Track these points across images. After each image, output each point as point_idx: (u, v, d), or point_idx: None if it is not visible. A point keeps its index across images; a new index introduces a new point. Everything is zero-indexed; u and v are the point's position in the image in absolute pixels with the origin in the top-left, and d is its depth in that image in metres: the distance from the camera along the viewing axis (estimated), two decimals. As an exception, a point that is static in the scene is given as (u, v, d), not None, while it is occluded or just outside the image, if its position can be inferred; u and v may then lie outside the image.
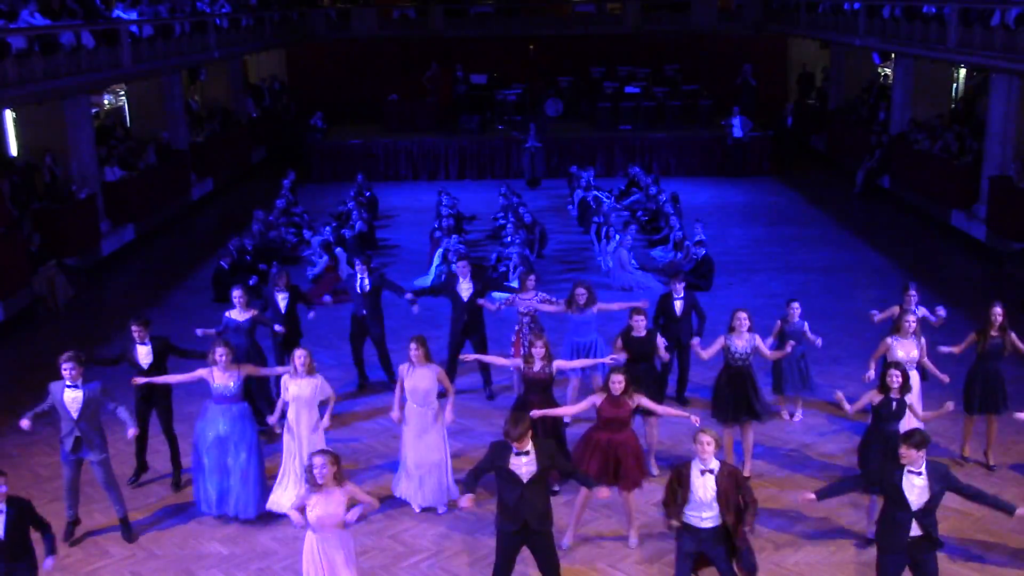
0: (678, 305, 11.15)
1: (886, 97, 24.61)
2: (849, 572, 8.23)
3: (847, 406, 8.50)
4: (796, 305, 10.67)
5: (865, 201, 22.77)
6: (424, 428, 9.07)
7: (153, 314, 15.38)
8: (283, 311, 11.26)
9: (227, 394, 8.96)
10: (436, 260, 16.40)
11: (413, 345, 9.04)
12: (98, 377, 8.91)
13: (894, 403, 8.34)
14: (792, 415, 11.21)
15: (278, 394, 9.39)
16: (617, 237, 16.76)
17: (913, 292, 10.60)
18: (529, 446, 7.04)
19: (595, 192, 20.84)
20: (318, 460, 6.94)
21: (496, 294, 15.04)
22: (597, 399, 8.35)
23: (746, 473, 9.81)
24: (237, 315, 10.53)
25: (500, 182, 23.21)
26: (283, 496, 9.05)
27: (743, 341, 9.55)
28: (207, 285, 16.21)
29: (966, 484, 7.18)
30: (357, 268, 11.87)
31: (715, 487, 6.99)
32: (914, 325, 9.62)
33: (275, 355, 11.45)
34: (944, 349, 10.01)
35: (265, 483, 9.18)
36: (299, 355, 8.93)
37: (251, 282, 15.91)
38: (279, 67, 32.79)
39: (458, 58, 30.22)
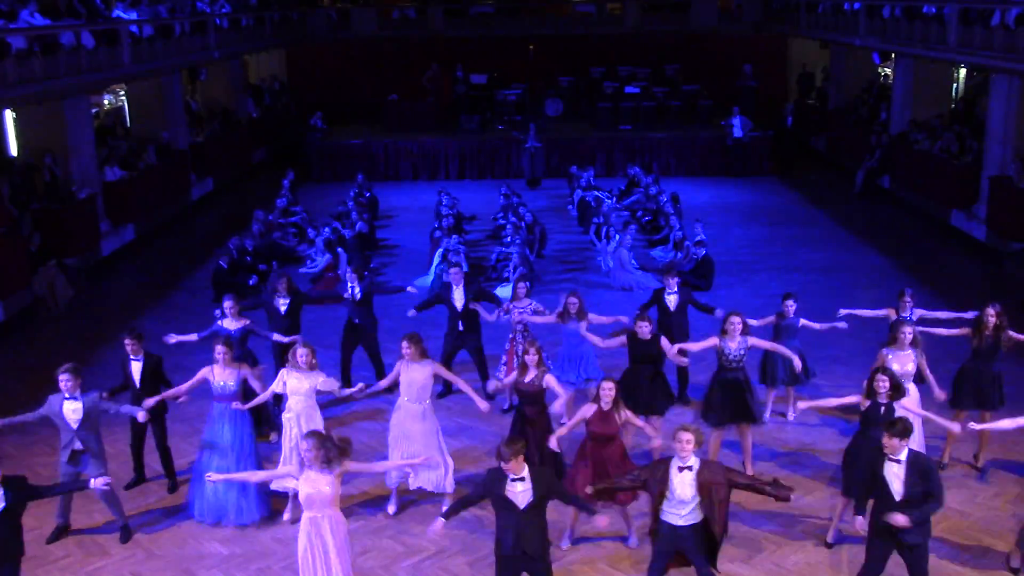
0: (671, 300, 11.18)
1: (886, 97, 24.61)
2: (849, 572, 8.22)
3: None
4: (791, 302, 10.69)
5: (865, 201, 22.77)
6: (412, 423, 9.06)
7: (153, 314, 15.42)
8: (283, 313, 11.25)
9: (226, 392, 8.99)
10: (436, 260, 16.40)
11: (405, 343, 9.04)
12: (96, 386, 8.94)
13: (882, 408, 8.24)
14: (785, 414, 11.21)
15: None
16: (617, 237, 16.77)
17: (908, 298, 10.57)
18: (525, 472, 6.93)
19: (595, 192, 20.85)
20: (304, 444, 7.12)
21: (499, 292, 15.07)
22: (588, 411, 8.26)
23: (749, 473, 9.81)
24: (229, 324, 10.39)
25: (500, 182, 23.22)
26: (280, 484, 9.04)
27: (736, 344, 9.53)
28: (207, 285, 16.20)
29: (938, 491, 7.00)
30: (348, 277, 11.82)
31: (694, 484, 7.00)
32: (910, 336, 9.37)
33: (274, 361, 11.44)
34: (935, 331, 9.96)
35: (265, 489, 9.17)
36: (302, 352, 8.92)
37: (251, 282, 15.94)
38: (279, 67, 32.78)
39: (458, 58, 30.21)
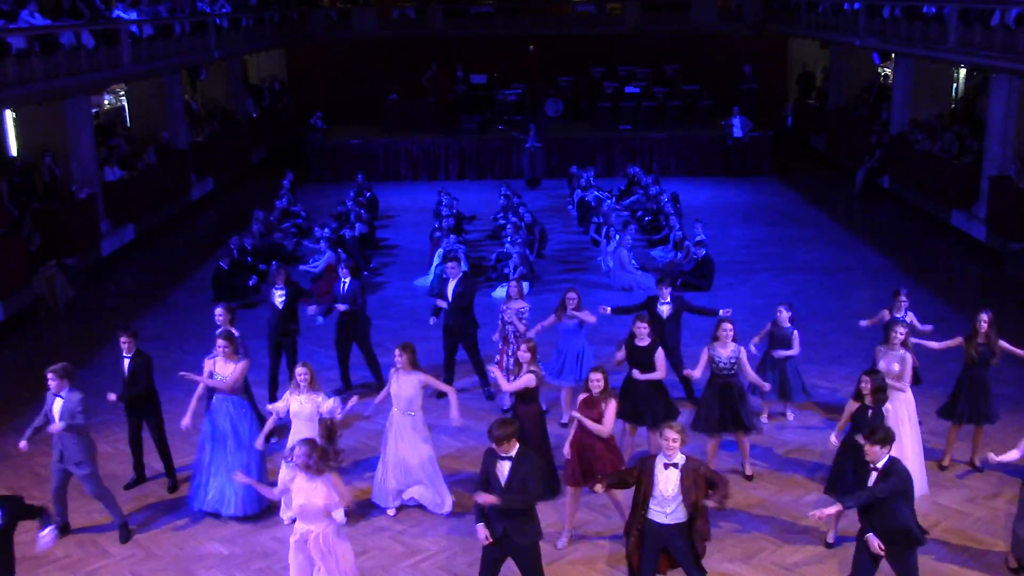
0: (664, 309, 11.14)
1: (886, 97, 24.61)
2: (848, 572, 8.22)
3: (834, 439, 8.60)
4: (782, 308, 10.66)
5: (865, 201, 22.77)
6: (402, 434, 9.07)
7: (153, 314, 15.42)
8: (280, 307, 11.27)
9: (225, 385, 9.06)
10: (436, 260, 16.40)
11: (397, 352, 9.04)
12: (96, 386, 8.95)
13: (869, 411, 8.23)
14: (776, 415, 11.20)
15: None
16: (617, 237, 16.76)
17: (904, 298, 10.55)
18: (514, 452, 7.03)
19: (595, 192, 20.84)
20: (298, 450, 7.09)
21: (495, 293, 15.09)
22: (580, 397, 8.45)
23: (748, 472, 9.82)
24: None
25: (500, 182, 23.20)
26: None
27: (728, 351, 9.51)
28: (207, 285, 16.20)
29: (882, 491, 6.90)
30: (340, 272, 11.88)
31: (678, 482, 7.01)
32: (902, 336, 9.28)
33: (269, 355, 11.47)
34: (927, 343, 9.94)
35: (266, 480, 9.17)
36: (301, 372, 8.88)
37: (251, 282, 15.94)
38: (279, 67, 32.78)
39: (458, 58, 30.21)
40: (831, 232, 19.97)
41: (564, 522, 8.72)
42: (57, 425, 8.46)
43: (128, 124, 23.44)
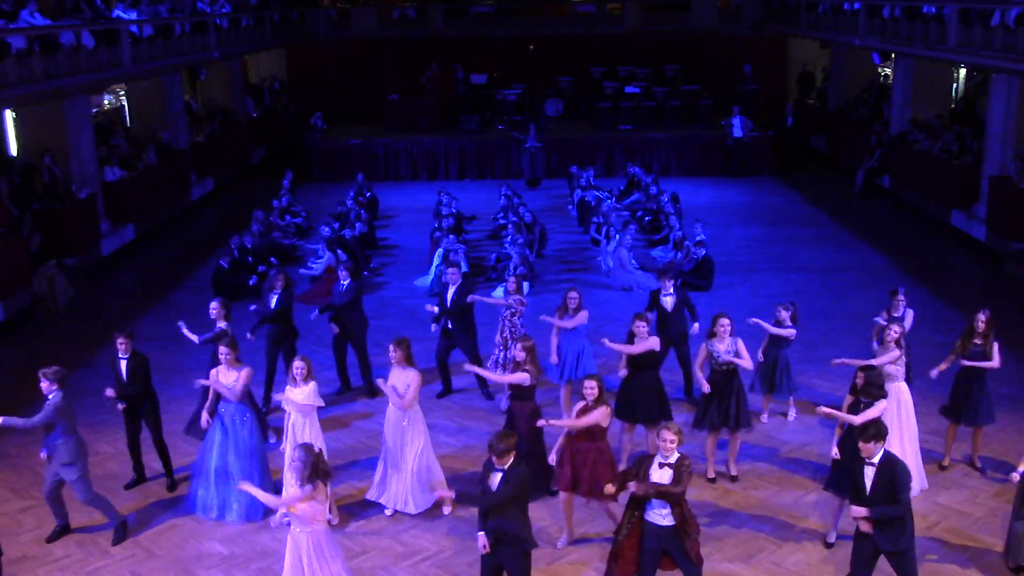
0: (668, 301, 11.18)
1: (886, 97, 24.61)
2: (847, 572, 8.22)
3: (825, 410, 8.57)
4: (781, 308, 10.66)
5: (865, 201, 22.76)
6: (398, 430, 9.07)
7: (153, 314, 15.42)
8: (272, 308, 11.28)
9: (232, 392, 9.06)
10: (436, 260, 16.41)
11: (391, 347, 9.06)
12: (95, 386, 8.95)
13: (862, 404, 8.27)
14: (786, 415, 11.21)
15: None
16: (617, 237, 16.76)
17: (902, 297, 10.55)
18: (506, 466, 7.06)
19: (595, 192, 20.84)
20: (295, 454, 7.12)
21: (495, 293, 15.07)
22: (576, 406, 8.41)
23: (733, 473, 9.81)
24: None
25: (500, 182, 23.21)
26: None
27: (725, 345, 9.51)
28: (207, 285, 16.19)
29: (902, 494, 6.95)
30: (340, 274, 11.87)
31: (671, 479, 7.05)
32: (895, 335, 9.33)
33: (267, 352, 11.47)
34: (934, 373, 9.83)
35: (270, 486, 9.17)
36: (298, 365, 8.90)
37: (251, 282, 15.94)
38: (279, 67, 32.78)
39: (458, 58, 30.21)
40: (831, 232, 19.96)
41: (562, 524, 8.72)
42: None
43: (128, 124, 23.44)
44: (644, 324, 9.72)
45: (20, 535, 9.01)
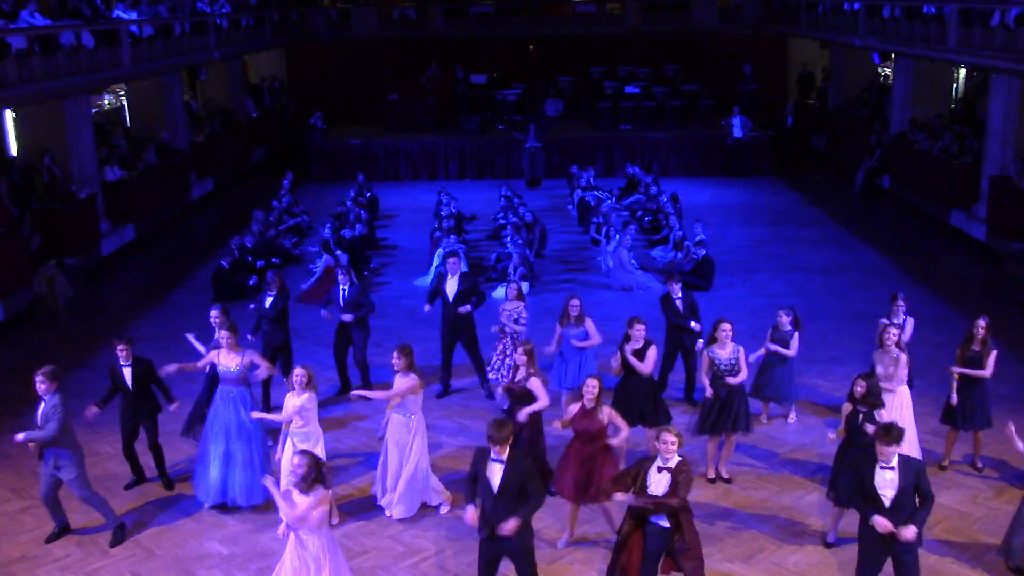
0: (678, 304, 11.19)
1: (886, 97, 24.61)
2: (848, 572, 8.22)
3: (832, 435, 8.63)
4: (782, 313, 10.64)
5: (865, 201, 22.76)
6: (400, 436, 9.06)
7: (153, 314, 15.42)
8: (267, 307, 11.28)
9: (229, 376, 9.13)
10: (436, 260, 16.40)
11: (395, 354, 9.04)
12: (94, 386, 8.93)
13: (860, 415, 8.25)
14: (771, 417, 11.19)
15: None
16: (617, 237, 16.76)
17: (901, 302, 10.54)
18: (506, 455, 7.01)
19: (595, 192, 20.84)
20: (295, 460, 7.11)
21: (495, 293, 15.07)
22: (573, 409, 8.35)
23: (724, 475, 9.79)
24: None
25: (500, 182, 23.20)
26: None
27: (727, 352, 9.50)
28: (207, 285, 16.21)
29: (928, 490, 6.98)
30: (340, 278, 11.82)
31: (669, 483, 7.04)
32: (894, 338, 9.33)
33: (262, 355, 11.45)
34: (954, 400, 9.78)
35: (271, 469, 9.14)
36: (298, 373, 8.84)
37: (250, 282, 15.94)
38: (279, 67, 32.79)
39: (458, 58, 30.22)
40: (831, 232, 19.96)
41: (565, 527, 8.72)
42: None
43: (128, 124, 23.43)
44: (642, 326, 9.70)
45: (20, 535, 9.01)
